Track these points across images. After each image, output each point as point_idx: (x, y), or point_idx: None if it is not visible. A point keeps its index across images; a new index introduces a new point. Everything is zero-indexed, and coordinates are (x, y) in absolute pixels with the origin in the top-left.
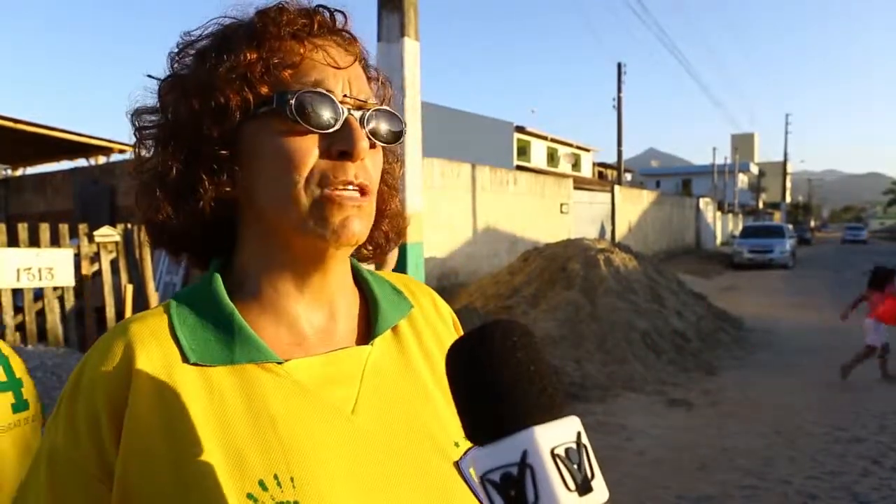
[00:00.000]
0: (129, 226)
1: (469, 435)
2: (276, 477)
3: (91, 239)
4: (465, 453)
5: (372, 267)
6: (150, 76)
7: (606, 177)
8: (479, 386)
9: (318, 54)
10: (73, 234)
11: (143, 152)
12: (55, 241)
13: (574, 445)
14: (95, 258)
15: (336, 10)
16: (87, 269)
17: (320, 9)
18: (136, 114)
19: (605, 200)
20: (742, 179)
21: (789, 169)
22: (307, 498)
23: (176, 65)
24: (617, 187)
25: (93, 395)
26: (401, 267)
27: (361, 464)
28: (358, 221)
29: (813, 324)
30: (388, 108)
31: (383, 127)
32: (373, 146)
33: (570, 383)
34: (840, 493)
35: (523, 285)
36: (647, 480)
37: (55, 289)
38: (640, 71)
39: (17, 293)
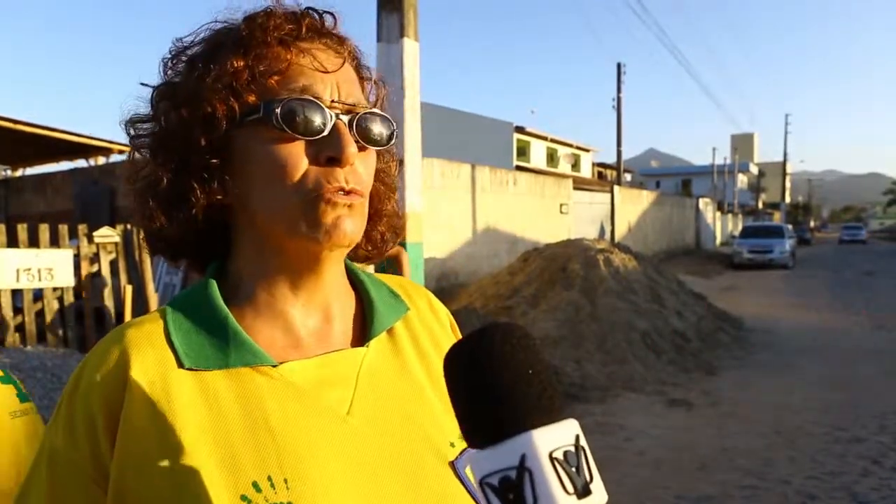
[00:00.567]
0: (128, 226)
1: (467, 438)
2: (269, 478)
3: (91, 239)
4: (461, 453)
5: (371, 268)
6: (143, 84)
7: (606, 177)
8: (478, 388)
9: (306, 59)
10: (73, 234)
11: (138, 158)
12: (55, 242)
13: (572, 448)
14: (95, 259)
15: (325, 12)
16: (86, 269)
17: (309, 11)
18: (131, 122)
19: (605, 201)
20: (742, 179)
21: (789, 169)
22: (301, 499)
23: (169, 71)
24: (617, 187)
25: (89, 399)
26: None
27: (356, 465)
28: (350, 221)
29: (813, 324)
30: (377, 110)
31: (374, 130)
32: (363, 149)
33: (569, 384)
34: (840, 494)
35: (523, 286)
36: (647, 480)
37: (55, 289)
38: (640, 71)
39: (16, 294)
